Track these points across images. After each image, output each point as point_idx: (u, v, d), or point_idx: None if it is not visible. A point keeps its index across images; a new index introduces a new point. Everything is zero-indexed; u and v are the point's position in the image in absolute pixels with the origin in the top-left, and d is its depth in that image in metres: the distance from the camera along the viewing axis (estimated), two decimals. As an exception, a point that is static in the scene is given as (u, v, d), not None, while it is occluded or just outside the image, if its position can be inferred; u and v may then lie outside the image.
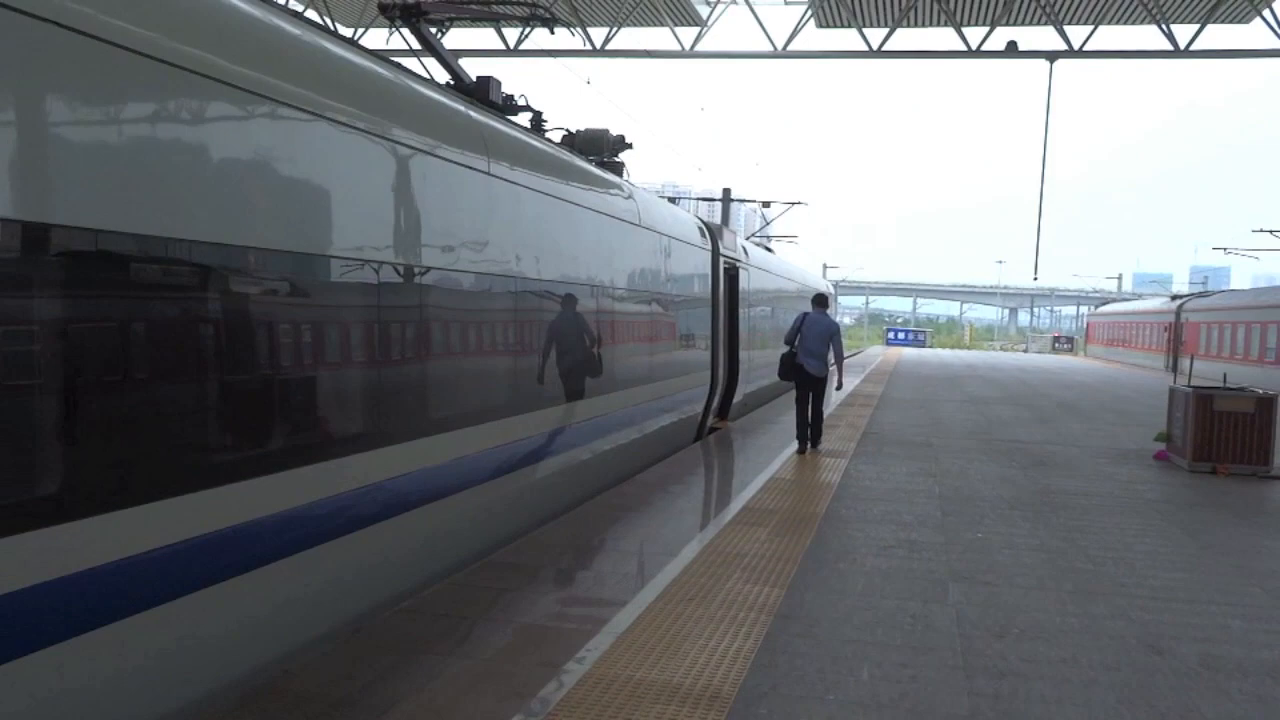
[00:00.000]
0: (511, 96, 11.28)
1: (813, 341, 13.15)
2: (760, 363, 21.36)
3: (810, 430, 13.49)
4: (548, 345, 8.65)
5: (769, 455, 13.12)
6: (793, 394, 14.06)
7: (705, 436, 16.04)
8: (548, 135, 11.46)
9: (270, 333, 4.80)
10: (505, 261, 7.64)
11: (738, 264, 17.93)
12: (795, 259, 55.52)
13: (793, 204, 46.83)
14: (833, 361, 13.57)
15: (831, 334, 13.29)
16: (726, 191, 45.81)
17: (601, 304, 10.16)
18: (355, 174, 5.61)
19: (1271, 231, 39.94)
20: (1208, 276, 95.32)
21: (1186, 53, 26.09)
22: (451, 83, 9.86)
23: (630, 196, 11.59)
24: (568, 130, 13.12)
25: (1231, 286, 69.52)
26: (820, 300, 13.68)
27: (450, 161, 6.73)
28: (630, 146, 13.21)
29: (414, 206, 6.26)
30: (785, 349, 13.34)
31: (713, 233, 16.17)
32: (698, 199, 47.40)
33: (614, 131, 13.27)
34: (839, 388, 14.41)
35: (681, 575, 6.95)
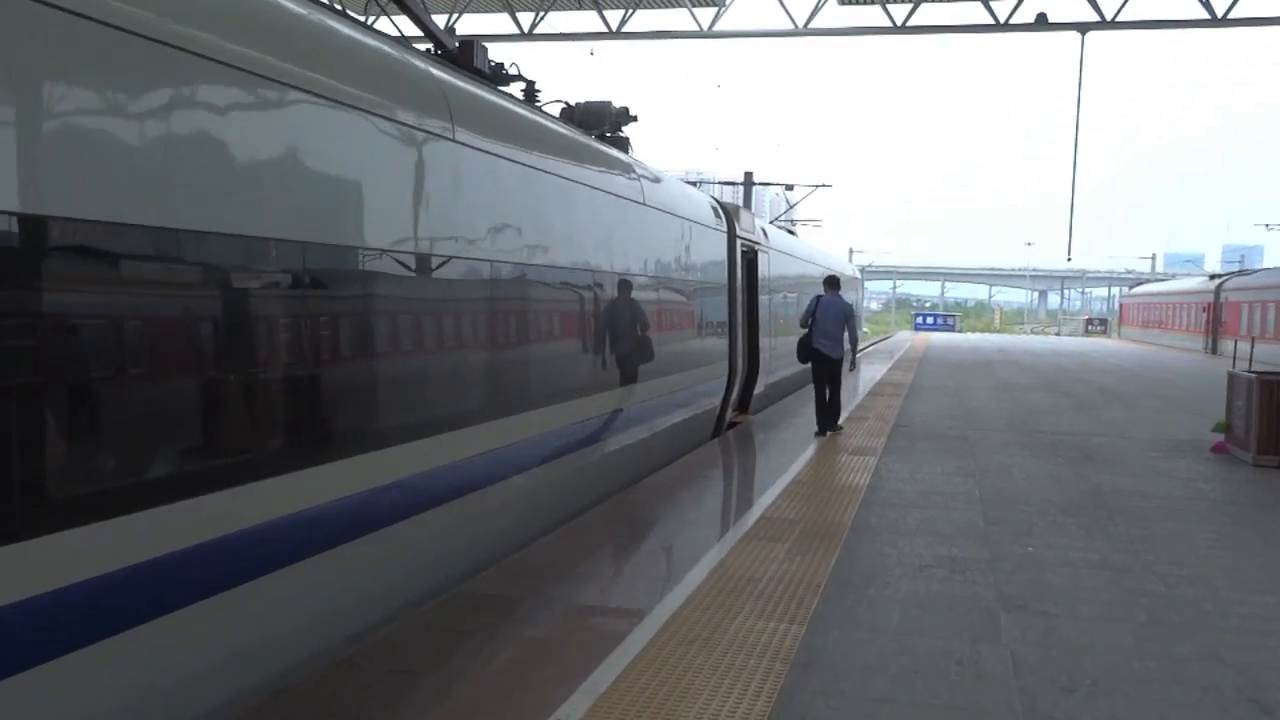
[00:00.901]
0: (501, 65, 10.27)
1: (827, 323, 13.15)
2: (783, 351, 20.23)
3: (827, 413, 13.57)
4: (534, 339, 7.62)
5: (791, 453, 12.06)
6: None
7: (724, 432, 15.00)
8: (542, 108, 10.43)
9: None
10: (472, 242, 6.58)
11: (757, 247, 16.84)
12: (821, 244, 54.24)
13: (817, 187, 45.60)
14: (848, 344, 13.43)
15: (846, 315, 13.27)
16: (748, 175, 44.67)
17: (601, 291, 9.14)
18: (260, 130, 4.58)
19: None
20: (1244, 255, 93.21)
21: (1224, 21, 24.82)
22: (434, 50, 8.86)
23: (634, 173, 10.54)
24: (566, 103, 12.10)
25: (1267, 265, 67.58)
26: (833, 282, 13.53)
27: (393, 120, 5.66)
28: (635, 119, 12.16)
29: (339, 176, 5.19)
30: (802, 332, 13.34)
31: (729, 214, 15.09)
32: (720, 183, 46.24)
33: (629, 111, 12.28)
34: (852, 368, 14.22)
35: (684, 609, 5.92)
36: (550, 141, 8.36)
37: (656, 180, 11.57)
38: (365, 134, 5.42)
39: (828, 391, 13.46)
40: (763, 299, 17.42)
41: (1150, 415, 17.31)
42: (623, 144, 12.42)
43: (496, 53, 11.96)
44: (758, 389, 17.05)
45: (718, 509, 8.95)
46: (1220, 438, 13.20)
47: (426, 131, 6.03)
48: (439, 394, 6.27)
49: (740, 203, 43.36)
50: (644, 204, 10.49)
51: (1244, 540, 8.13)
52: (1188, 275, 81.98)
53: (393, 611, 5.79)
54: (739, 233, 15.38)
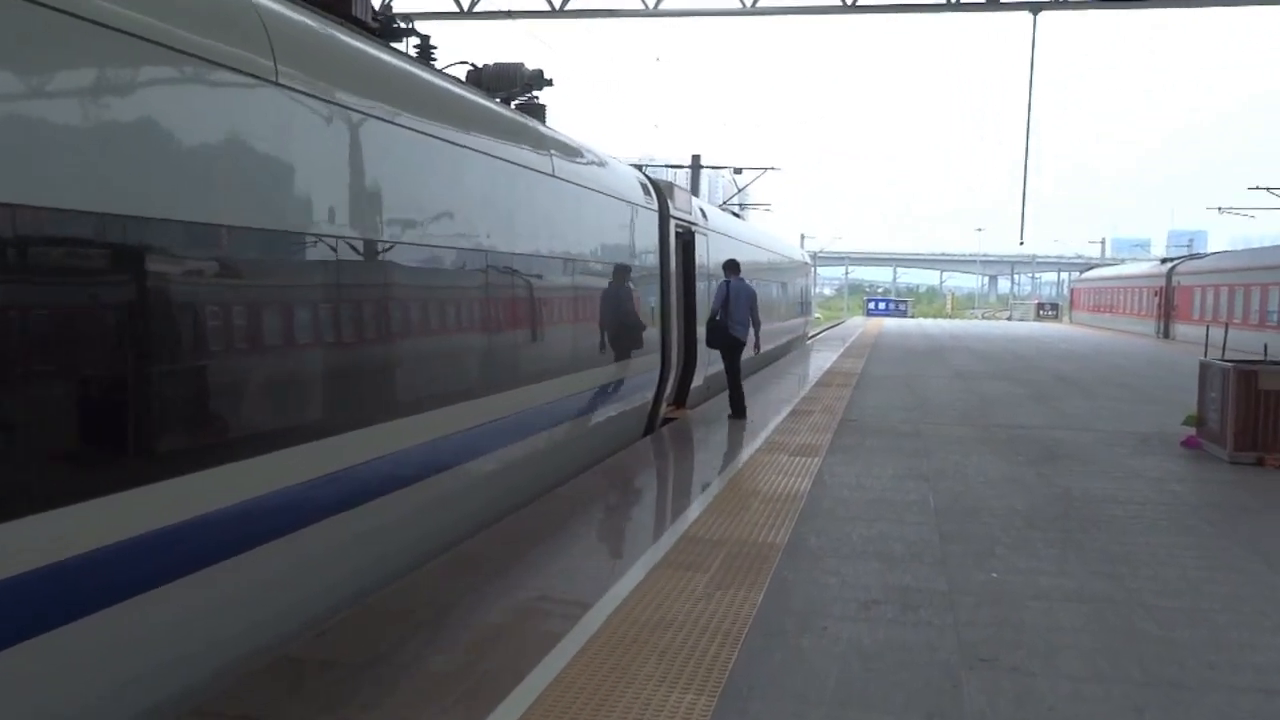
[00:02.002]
0: (393, 18, 8.95)
1: (741, 310, 13.38)
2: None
3: (736, 395, 13.79)
4: (389, 335, 6.31)
5: (727, 454, 10.86)
6: (761, 374, 14.34)
7: (658, 429, 13.78)
8: (441, 68, 9.09)
9: None
10: (301, 210, 5.24)
11: (694, 229, 15.59)
12: (771, 228, 53.08)
13: (765, 169, 44.54)
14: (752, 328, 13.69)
15: (753, 299, 13.58)
16: (696, 158, 43.44)
17: (492, 276, 7.84)
18: None
19: (1269, 189, 37.84)
20: (1192, 239, 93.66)
21: (1175, 1, 24.14)
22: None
23: (542, 142, 9.23)
24: (473, 65, 10.78)
25: (1210, 249, 67.50)
26: (735, 267, 13.67)
27: (174, 50, 4.31)
28: (550, 83, 10.85)
29: (83, 123, 3.87)
30: (714, 320, 13.49)
31: (661, 192, 13.82)
32: (667, 166, 44.98)
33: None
34: (757, 351, 14.46)
35: (566, 674, 4.67)
36: (427, 98, 7.06)
37: (572, 152, 10.27)
38: (133, 68, 4.10)
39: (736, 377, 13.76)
40: (701, 285, 16.18)
41: (1111, 405, 16.32)
42: (537, 111, 11.13)
43: (434, 31, 10.62)
44: (696, 381, 15.83)
45: (630, 528, 7.71)
46: (1191, 431, 12.19)
47: (233, 69, 4.70)
48: (278, 396, 5.00)
49: (689, 186, 42.16)
50: (553, 176, 9.18)
51: (1237, 558, 7.04)
52: (1136, 260, 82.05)
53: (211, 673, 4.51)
54: (673, 212, 14.13)
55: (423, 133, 6.72)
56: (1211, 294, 37.60)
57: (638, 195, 12.42)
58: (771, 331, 26.09)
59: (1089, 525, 7.90)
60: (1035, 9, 24.77)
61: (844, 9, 25.11)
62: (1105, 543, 7.36)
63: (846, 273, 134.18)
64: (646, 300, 12.66)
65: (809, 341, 37.44)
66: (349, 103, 5.78)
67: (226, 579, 4.61)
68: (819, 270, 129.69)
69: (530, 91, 10.57)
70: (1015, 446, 11.83)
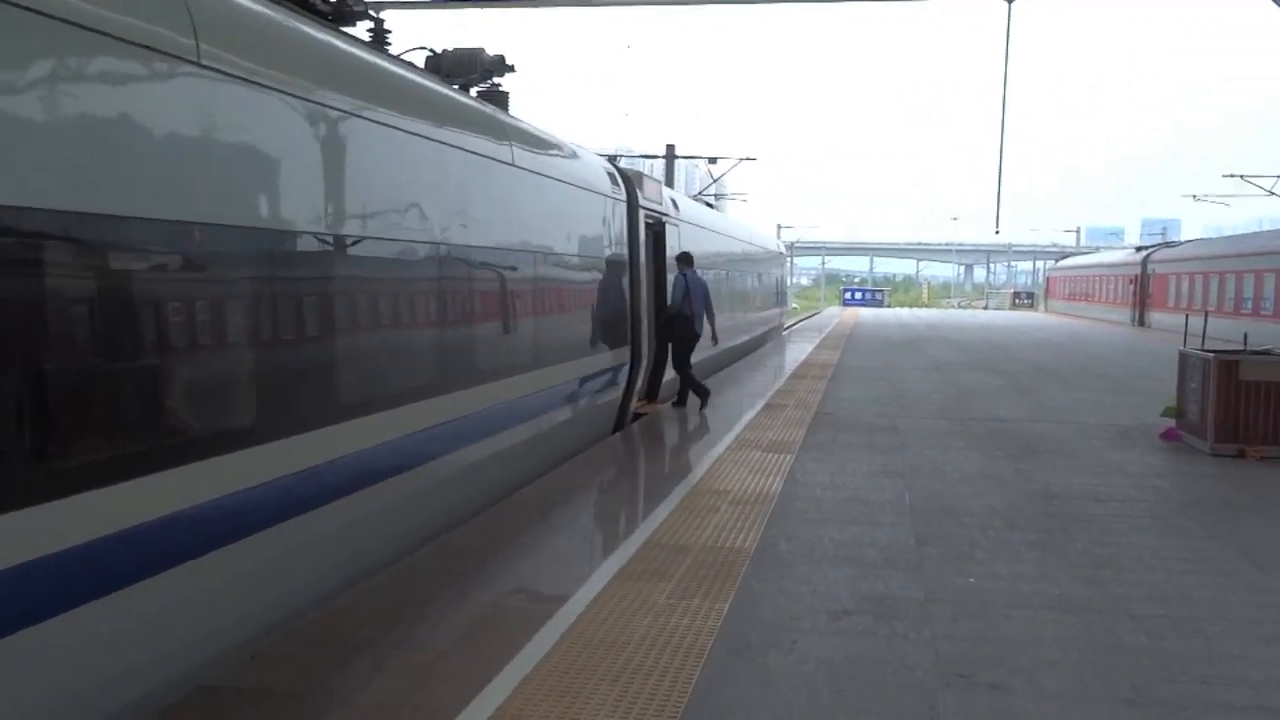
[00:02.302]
0: (345, 1, 8.54)
1: (700, 303, 13.77)
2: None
3: (685, 386, 14.03)
4: (339, 332, 5.93)
5: (697, 450, 10.52)
6: (734, 367, 14.54)
7: (629, 425, 13.42)
8: (398, 54, 8.66)
9: None
10: (221, 204, 4.82)
11: (665, 219, 15.22)
12: (746, 218, 52.78)
13: (741, 159, 44.17)
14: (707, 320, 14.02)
15: (708, 292, 14.15)
16: (670, 148, 43.12)
17: (449, 268, 7.45)
18: None
19: (1243, 177, 37.79)
20: (1166, 227, 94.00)
21: None
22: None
23: (501, 130, 8.83)
24: (431, 50, 10.37)
25: (1183, 238, 67.49)
26: (687, 259, 13.93)
27: (71, 24, 3.91)
28: (511, 69, 10.45)
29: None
30: (680, 314, 13.67)
31: (629, 181, 13.43)
32: (640, 157, 44.59)
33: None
34: (715, 343, 14.85)
35: (510, 706, 4.31)
36: (373, 82, 6.66)
37: (534, 140, 9.87)
38: (25, 42, 3.70)
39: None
40: (672, 277, 15.81)
41: (1091, 396, 16.08)
42: (500, 99, 10.73)
43: (396, 20, 10.22)
44: (668, 374, 15.47)
45: (591, 535, 7.35)
46: (1171, 423, 11.93)
47: (146, 47, 4.30)
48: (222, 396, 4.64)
49: (663, 177, 41.77)
50: (513, 165, 8.78)
51: (1226, 560, 6.75)
52: (1111, 248, 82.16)
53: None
54: (643, 203, 13.75)
55: (367, 118, 6.33)
56: (1186, 282, 37.54)
57: (605, 185, 12.04)
58: (746, 323, 25.79)
59: (1071, 525, 7.60)
60: (1010, -3, 24.72)
61: (815, -5, 24.94)
62: (1088, 544, 7.06)
63: (823, 263, 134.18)
64: (614, 293, 12.29)
65: (785, 332, 37.17)
66: (284, 86, 5.38)
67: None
68: (796, 260, 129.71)
69: (491, 78, 10.16)
70: (993, 440, 11.54)
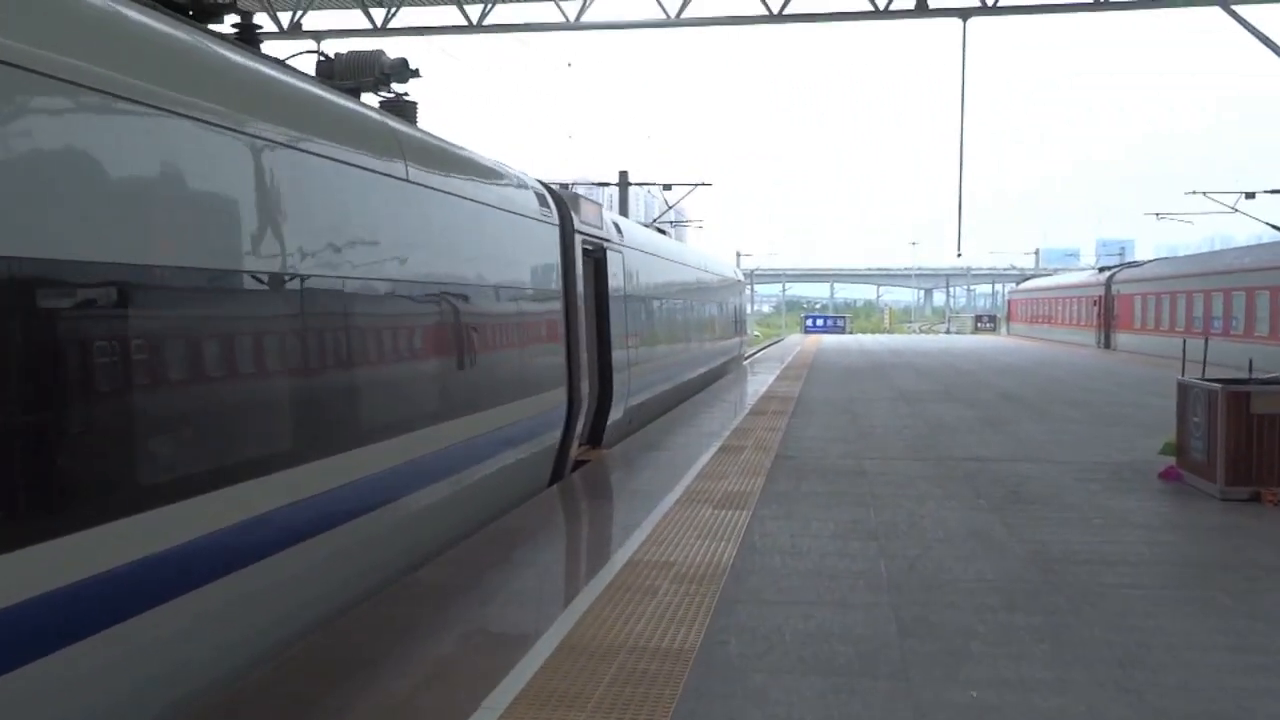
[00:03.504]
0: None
1: None
2: (651, 368, 17.39)
3: None
4: (195, 378, 4.55)
5: (640, 507, 9.14)
6: (691, 402, 13.38)
7: (569, 475, 12.02)
8: (274, 56, 7.26)
9: None
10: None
11: (606, 245, 13.88)
12: (705, 246, 51.51)
13: (696, 185, 43.11)
14: None
15: None
16: (623, 174, 41.97)
17: (312, 305, 6.06)
18: None
19: (1205, 193, 37.11)
20: (1124, 248, 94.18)
21: (1106, 5, 23.32)
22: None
23: (388, 136, 7.42)
24: (323, 55, 9.02)
25: (1138, 257, 67.33)
26: None
27: None
28: (416, 74, 9.11)
29: None
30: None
31: (562, 202, 12.08)
32: (593, 184, 43.36)
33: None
34: None
35: None
36: (212, 75, 5.30)
37: (437, 154, 8.48)
38: None
39: None
40: (617, 306, 14.49)
41: (1069, 429, 14.86)
42: (406, 110, 9.37)
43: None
44: (614, 416, 14.11)
45: (488, 642, 5.89)
46: (1170, 461, 10.69)
47: None
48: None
49: (615, 205, 40.54)
50: (407, 181, 7.39)
51: (1277, 646, 5.45)
52: (1070, 269, 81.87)
53: None
54: (579, 226, 12.41)
55: (201, 120, 4.97)
56: (1153, 302, 36.74)
57: (531, 206, 10.65)
58: (703, 354, 24.51)
59: (1081, 603, 6.28)
60: (964, 15, 23.72)
61: (770, 18, 23.93)
62: (1107, 630, 5.74)
63: (784, 289, 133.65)
64: (544, 328, 10.88)
65: (745, 362, 35.94)
66: (96, 82, 4.03)
67: None
68: (756, 288, 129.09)
69: (390, 82, 8.80)
70: (974, 486, 10.24)
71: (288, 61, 8.47)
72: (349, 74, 8.64)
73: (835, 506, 9.26)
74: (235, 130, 5.36)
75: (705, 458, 12.09)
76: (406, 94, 9.58)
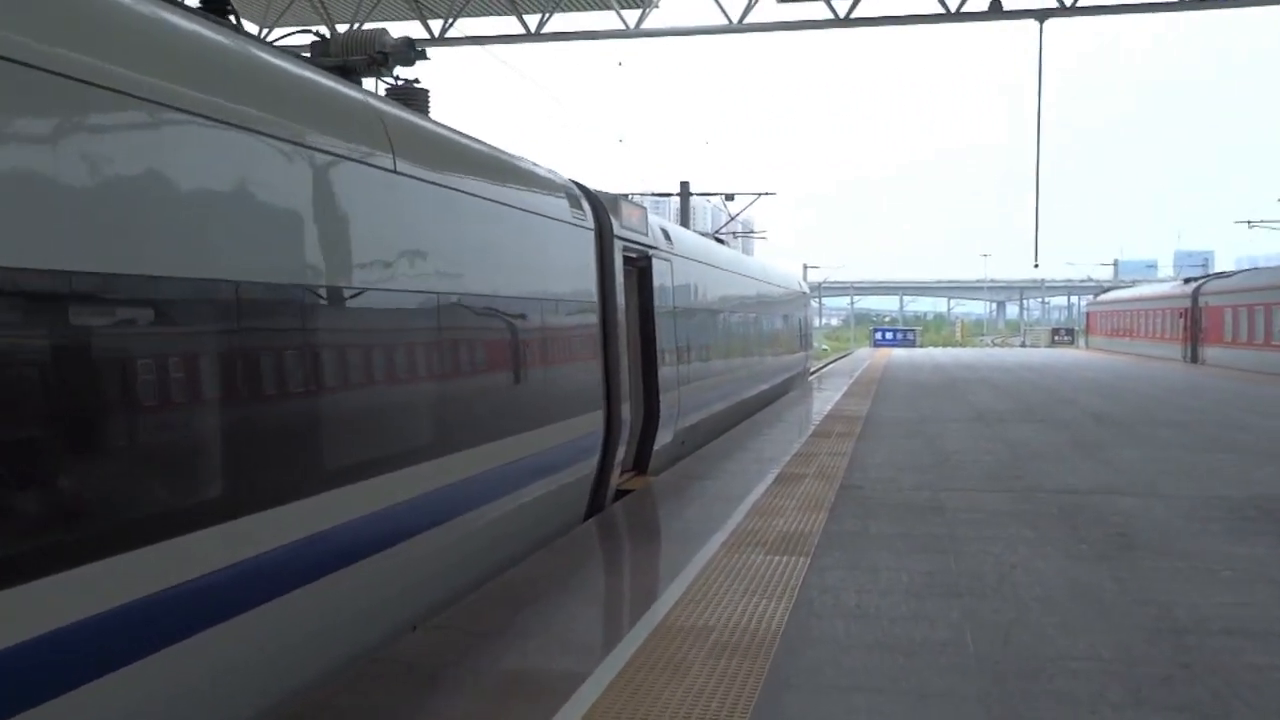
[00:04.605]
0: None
1: None
2: (706, 386, 16.11)
3: None
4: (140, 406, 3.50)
5: (680, 551, 7.89)
6: (750, 422, 12.70)
7: (610, 505, 10.81)
8: (254, 34, 6.15)
9: None
10: None
11: (651, 253, 12.66)
12: (768, 258, 50.13)
13: (760, 194, 41.75)
14: None
15: None
16: (685, 185, 40.88)
17: (275, 320, 4.96)
18: None
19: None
20: (1206, 259, 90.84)
21: (1191, 3, 21.78)
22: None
23: (370, 118, 6.23)
24: (319, 35, 7.95)
25: (1219, 269, 64.57)
26: None
27: None
28: (422, 55, 8.00)
29: None
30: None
31: (599, 205, 10.87)
32: (652, 195, 42.28)
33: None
34: None
35: None
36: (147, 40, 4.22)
37: (437, 142, 7.28)
38: None
39: None
40: (666, 321, 13.25)
41: (1172, 455, 13.30)
42: (417, 98, 8.26)
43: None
44: (662, 439, 12.86)
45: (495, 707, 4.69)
46: (1303, 498, 9.18)
47: None
48: None
49: (677, 217, 39.35)
50: (394, 173, 6.22)
51: None
52: (1153, 280, 78.94)
53: None
54: (620, 232, 11.20)
55: (133, 94, 3.90)
56: (1246, 314, 34.58)
57: (559, 207, 9.44)
58: (764, 370, 23.16)
59: (1230, 697, 4.90)
60: (1041, 16, 22.32)
61: (836, 23, 22.77)
62: (1274, 742, 4.36)
63: (852, 302, 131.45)
64: (574, 345, 9.65)
65: (811, 377, 34.49)
66: None
67: None
68: (824, 301, 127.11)
69: (390, 64, 7.67)
70: (1072, 526, 8.83)
71: (277, 44, 7.42)
72: (347, 51, 7.55)
73: (909, 552, 7.92)
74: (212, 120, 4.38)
75: (760, 489, 10.80)
76: (417, 80, 8.48)
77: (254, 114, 4.87)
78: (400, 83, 8.33)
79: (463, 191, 7.27)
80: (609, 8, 23.18)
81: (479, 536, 7.44)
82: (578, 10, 23.89)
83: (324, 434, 5.37)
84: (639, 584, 7.23)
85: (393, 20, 24.84)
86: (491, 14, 24.29)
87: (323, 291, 5.44)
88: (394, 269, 6.18)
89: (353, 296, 5.76)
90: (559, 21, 23.73)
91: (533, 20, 23.41)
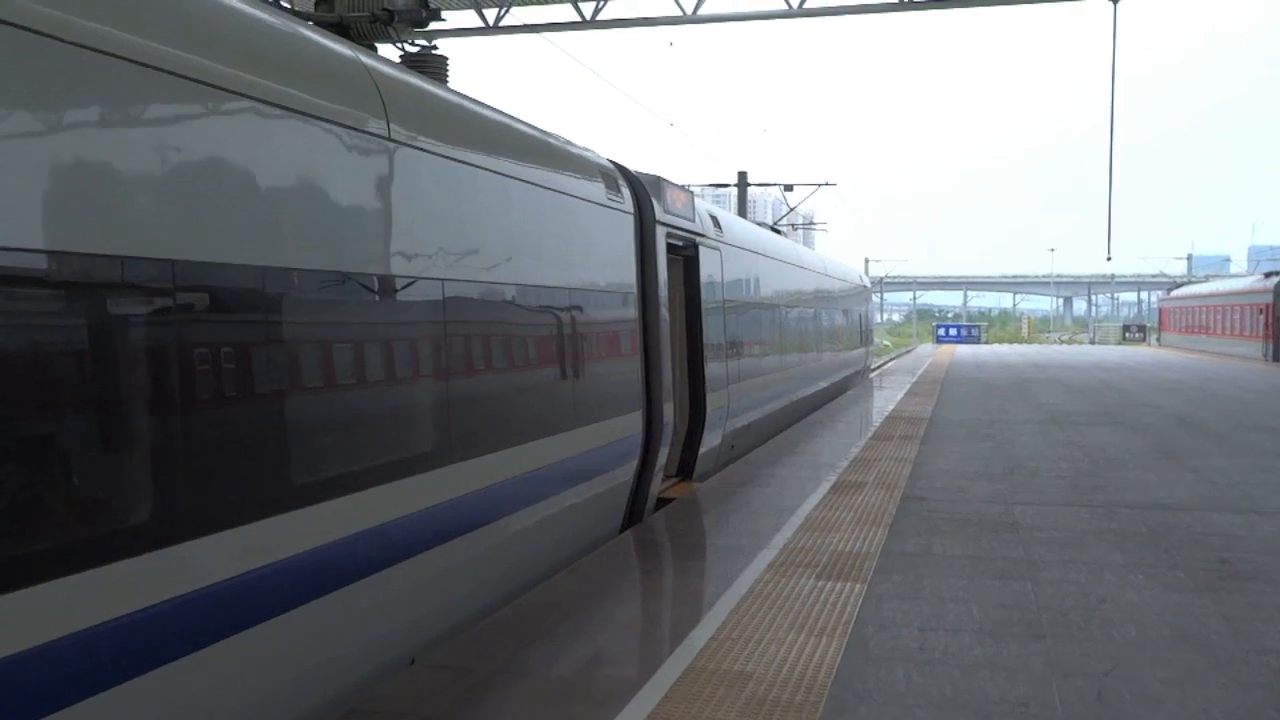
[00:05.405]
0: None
1: None
2: (759, 385, 15.18)
3: None
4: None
5: (721, 573, 7.02)
6: (806, 422, 12.15)
7: (652, 514, 9.98)
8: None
9: None
10: None
11: (699, 240, 11.75)
12: (832, 251, 49.12)
13: (820, 185, 40.58)
14: None
15: None
16: (743, 175, 39.83)
17: (247, 311, 4.19)
18: None
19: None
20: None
21: None
22: None
23: (364, 82, 5.40)
24: (326, -7, 7.17)
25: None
26: None
27: None
28: (437, 15, 7.21)
29: None
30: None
31: (638, 187, 9.99)
32: (710, 186, 41.28)
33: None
34: None
35: None
36: None
37: (445, 109, 6.44)
38: None
39: None
40: (715, 315, 12.35)
41: (1273, 465, 12.12)
42: (435, 65, 7.46)
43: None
44: (709, 443, 11.96)
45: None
46: None
47: None
48: None
49: (734, 208, 38.36)
50: (388, 140, 5.39)
51: None
52: (1223, 276, 76.22)
53: None
54: (663, 217, 10.31)
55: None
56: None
57: (593, 188, 8.56)
58: (821, 368, 22.16)
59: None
60: (1115, -2, 21.14)
61: (899, 6, 21.78)
62: None
63: (914, 298, 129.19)
64: (609, 340, 8.79)
65: (871, 375, 33.36)
66: None
67: None
68: (886, 296, 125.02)
69: (398, 23, 6.85)
70: (1166, 549, 7.81)
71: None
72: (345, 10, 6.75)
73: (980, 578, 6.97)
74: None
75: (814, 498, 9.88)
76: (435, 46, 7.68)
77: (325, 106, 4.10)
78: (414, 49, 7.54)
79: (476, 166, 6.44)
80: (661, -8, 22.46)
81: (494, 554, 6.62)
82: (633, -5, 23.23)
83: (315, 437, 4.59)
84: (670, 614, 6.37)
85: (451, 9, 24.29)
86: (547, 2, 23.67)
87: (316, 277, 4.67)
88: (391, 249, 5.37)
89: (353, 281, 4.98)
90: (614, 8, 23.03)
91: (587, 8, 22.74)
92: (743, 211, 37.55)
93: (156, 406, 3.78)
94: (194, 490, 3.95)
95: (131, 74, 3.73)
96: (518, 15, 24.20)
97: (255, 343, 4.33)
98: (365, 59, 5.56)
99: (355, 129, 5.09)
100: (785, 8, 22.61)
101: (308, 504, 4.69)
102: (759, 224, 22.94)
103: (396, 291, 5.43)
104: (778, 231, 24.09)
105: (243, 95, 4.30)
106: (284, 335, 4.50)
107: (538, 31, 24.97)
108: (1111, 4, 22.39)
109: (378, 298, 5.28)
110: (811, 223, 55.09)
